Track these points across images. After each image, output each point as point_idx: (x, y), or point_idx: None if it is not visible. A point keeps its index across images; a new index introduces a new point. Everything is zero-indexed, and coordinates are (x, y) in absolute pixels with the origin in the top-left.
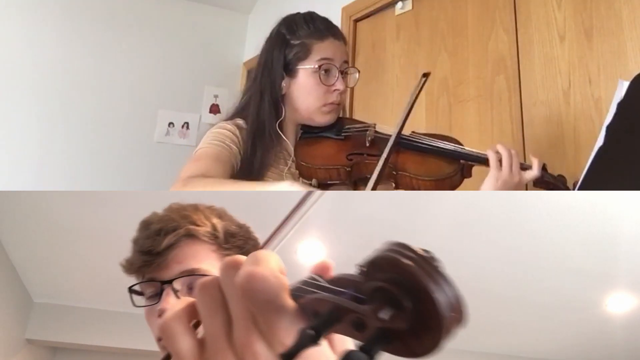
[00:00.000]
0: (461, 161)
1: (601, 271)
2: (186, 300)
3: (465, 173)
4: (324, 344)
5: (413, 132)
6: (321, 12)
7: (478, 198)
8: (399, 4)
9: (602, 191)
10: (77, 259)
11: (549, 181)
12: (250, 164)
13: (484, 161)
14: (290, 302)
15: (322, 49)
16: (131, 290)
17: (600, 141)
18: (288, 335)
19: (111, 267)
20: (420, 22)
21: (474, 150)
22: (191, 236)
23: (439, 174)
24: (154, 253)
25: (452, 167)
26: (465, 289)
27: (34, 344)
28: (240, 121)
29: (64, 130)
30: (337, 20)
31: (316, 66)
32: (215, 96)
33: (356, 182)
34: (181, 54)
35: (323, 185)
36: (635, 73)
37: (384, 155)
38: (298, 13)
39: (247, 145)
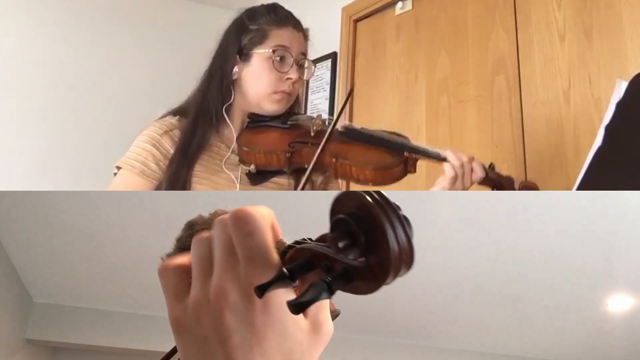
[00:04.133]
0: (405, 153)
1: (601, 271)
2: (176, 261)
3: (410, 167)
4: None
5: (363, 128)
6: (321, 12)
7: (477, 198)
8: (399, 4)
9: (602, 191)
10: (77, 259)
11: (493, 178)
12: (188, 144)
13: (430, 155)
14: (271, 244)
15: (279, 36)
16: None
17: (598, 141)
18: (262, 279)
19: (111, 267)
20: (420, 22)
21: (422, 145)
22: None
23: (379, 163)
24: None
25: (394, 159)
26: (464, 289)
27: (34, 344)
28: (174, 120)
29: (64, 130)
30: (337, 20)
31: (270, 51)
32: None
33: (297, 173)
34: (181, 54)
35: (263, 173)
36: (635, 73)
37: (324, 139)
38: (262, 4)
39: (187, 126)
